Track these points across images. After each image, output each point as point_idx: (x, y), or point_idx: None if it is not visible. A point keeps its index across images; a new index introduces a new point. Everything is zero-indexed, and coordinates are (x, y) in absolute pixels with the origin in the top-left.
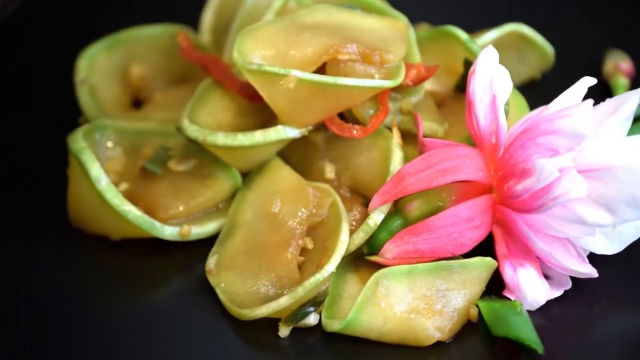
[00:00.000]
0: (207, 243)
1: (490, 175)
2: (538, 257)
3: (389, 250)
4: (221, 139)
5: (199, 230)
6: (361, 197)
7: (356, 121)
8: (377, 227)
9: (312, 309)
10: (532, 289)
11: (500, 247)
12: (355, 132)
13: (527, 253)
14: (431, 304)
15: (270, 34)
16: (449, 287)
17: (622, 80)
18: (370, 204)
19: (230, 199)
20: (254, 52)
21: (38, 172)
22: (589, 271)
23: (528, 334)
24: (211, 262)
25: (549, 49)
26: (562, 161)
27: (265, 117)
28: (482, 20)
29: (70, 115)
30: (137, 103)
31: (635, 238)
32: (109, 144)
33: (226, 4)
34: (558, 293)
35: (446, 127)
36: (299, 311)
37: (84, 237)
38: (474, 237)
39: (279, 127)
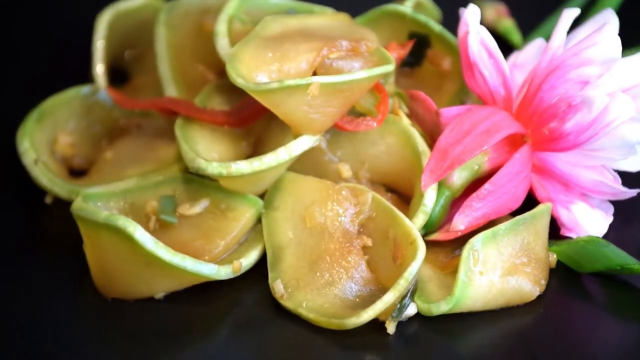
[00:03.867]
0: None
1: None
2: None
3: (460, 221)
4: (247, 167)
5: (247, 261)
6: (381, 186)
7: (359, 115)
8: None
9: (409, 300)
10: (590, 221)
11: (541, 192)
12: (372, 123)
13: (568, 190)
14: (521, 260)
15: (254, 54)
16: (529, 240)
17: (508, 22)
18: (423, 184)
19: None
20: (253, 74)
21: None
22: (631, 191)
23: (630, 259)
24: (278, 288)
25: (437, 11)
26: (605, 87)
27: (254, 138)
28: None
29: (25, 198)
30: (72, 172)
31: None
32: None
33: (111, 54)
34: (610, 219)
35: None
36: (402, 304)
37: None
38: (525, 188)
39: (299, 139)
